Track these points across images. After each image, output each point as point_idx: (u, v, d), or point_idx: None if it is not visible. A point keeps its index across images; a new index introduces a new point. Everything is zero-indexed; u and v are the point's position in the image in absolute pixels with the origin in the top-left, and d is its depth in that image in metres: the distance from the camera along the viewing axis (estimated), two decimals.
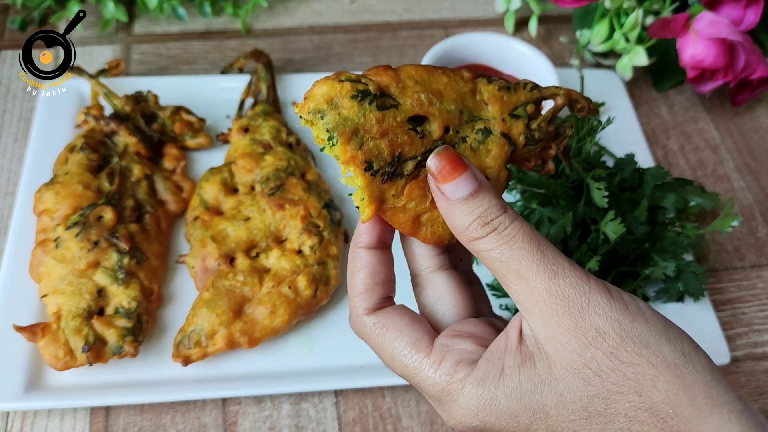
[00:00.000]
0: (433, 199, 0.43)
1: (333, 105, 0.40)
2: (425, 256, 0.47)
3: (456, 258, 0.50)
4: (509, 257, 0.40)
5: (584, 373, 0.39)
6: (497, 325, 0.47)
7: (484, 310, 0.50)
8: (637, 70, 1.03)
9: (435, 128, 0.42)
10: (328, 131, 0.40)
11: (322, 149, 0.41)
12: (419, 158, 0.42)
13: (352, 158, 0.40)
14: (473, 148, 0.44)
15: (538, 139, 0.45)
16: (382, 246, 0.46)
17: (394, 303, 0.47)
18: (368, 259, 0.45)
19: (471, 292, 0.48)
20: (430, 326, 0.46)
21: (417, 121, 0.42)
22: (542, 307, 0.40)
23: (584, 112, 0.47)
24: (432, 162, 0.42)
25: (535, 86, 0.46)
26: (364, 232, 0.46)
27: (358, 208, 0.42)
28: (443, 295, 0.47)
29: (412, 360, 0.43)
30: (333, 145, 0.40)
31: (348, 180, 0.41)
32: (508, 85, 0.45)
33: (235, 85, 0.93)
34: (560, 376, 0.40)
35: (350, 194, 0.42)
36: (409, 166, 0.42)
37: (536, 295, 0.40)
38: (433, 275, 0.47)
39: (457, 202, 0.41)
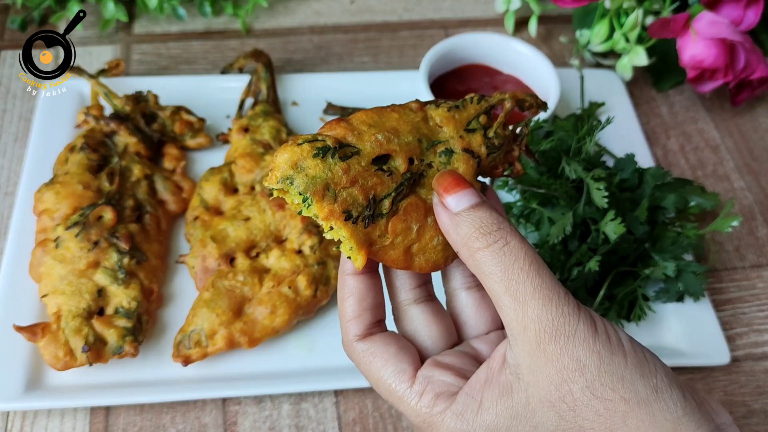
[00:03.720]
0: (419, 229, 0.44)
1: (298, 168, 0.41)
2: (402, 289, 0.48)
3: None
4: (509, 277, 0.41)
5: (559, 407, 0.40)
6: (478, 353, 0.48)
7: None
8: (637, 70, 1.03)
9: (400, 163, 0.44)
10: (300, 194, 0.41)
11: (299, 213, 0.42)
12: (393, 194, 0.43)
13: (331, 213, 0.42)
14: (441, 170, 0.45)
15: (498, 145, 0.47)
16: (369, 271, 0.47)
17: (384, 327, 0.48)
18: (356, 286, 0.46)
19: (449, 322, 0.49)
20: (417, 354, 0.47)
21: (381, 160, 0.43)
22: (530, 333, 0.40)
23: (534, 109, 0.50)
24: (437, 179, 0.44)
25: (482, 97, 0.48)
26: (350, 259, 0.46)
27: (349, 258, 0.43)
28: (420, 327, 0.48)
29: (396, 389, 0.45)
30: (309, 205, 0.42)
31: (332, 233, 0.42)
32: (456, 103, 0.47)
33: (235, 85, 0.93)
34: (535, 409, 0.40)
35: (337, 248, 0.43)
36: (386, 204, 0.43)
37: (527, 320, 0.40)
38: (410, 308, 0.48)
39: (458, 214, 0.42)
